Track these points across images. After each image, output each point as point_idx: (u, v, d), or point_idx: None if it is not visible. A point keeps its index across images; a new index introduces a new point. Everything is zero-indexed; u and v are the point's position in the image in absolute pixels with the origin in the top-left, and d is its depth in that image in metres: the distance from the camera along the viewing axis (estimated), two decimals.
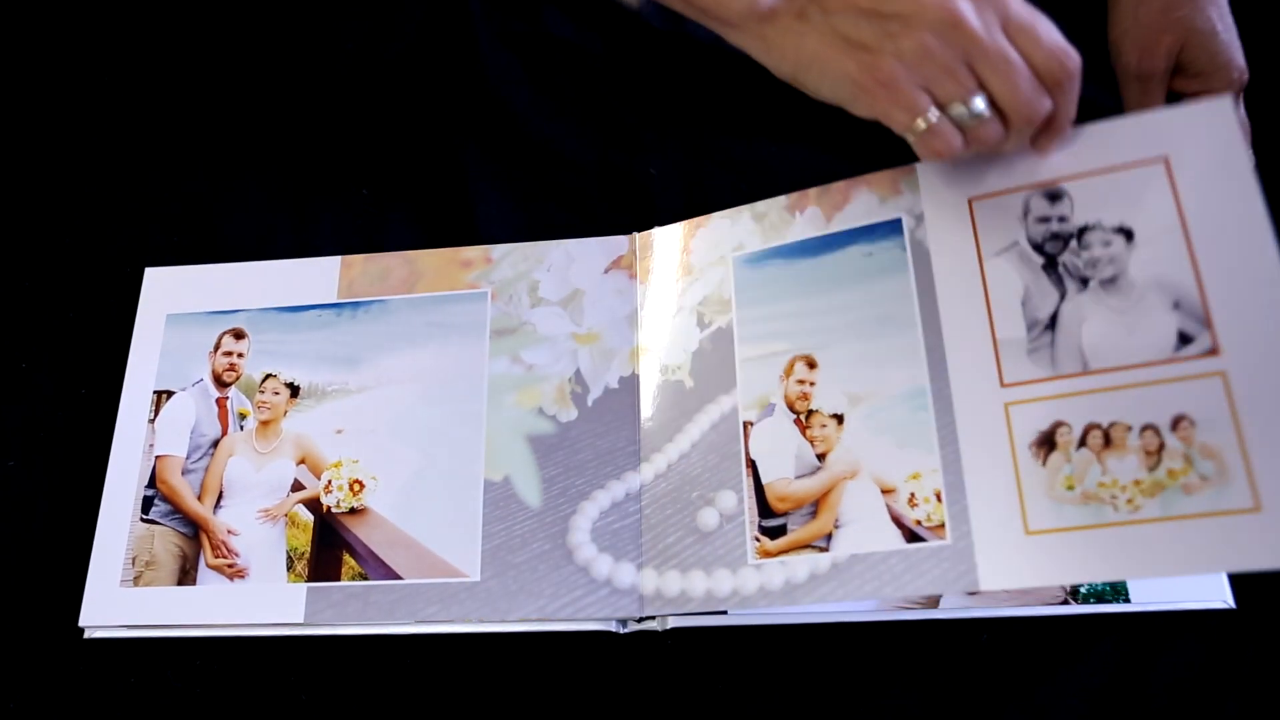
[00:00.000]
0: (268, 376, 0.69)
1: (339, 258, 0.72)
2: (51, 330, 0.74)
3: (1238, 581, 0.58)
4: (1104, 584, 0.58)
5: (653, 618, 0.61)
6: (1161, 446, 0.52)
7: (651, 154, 0.75)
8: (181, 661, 0.63)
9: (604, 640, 0.61)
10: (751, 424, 0.62)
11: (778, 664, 0.60)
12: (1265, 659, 0.57)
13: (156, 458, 0.67)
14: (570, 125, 0.76)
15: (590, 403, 0.65)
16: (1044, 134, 0.55)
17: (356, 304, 0.70)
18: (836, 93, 0.56)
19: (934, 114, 0.53)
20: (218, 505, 0.66)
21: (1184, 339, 0.53)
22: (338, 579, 0.63)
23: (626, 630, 0.61)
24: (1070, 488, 0.53)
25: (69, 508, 0.68)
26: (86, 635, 0.64)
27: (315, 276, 0.72)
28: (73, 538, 0.66)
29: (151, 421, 0.68)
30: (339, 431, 0.67)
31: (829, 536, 0.58)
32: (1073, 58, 0.52)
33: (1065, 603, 0.58)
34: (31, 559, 0.67)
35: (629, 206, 0.73)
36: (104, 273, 0.75)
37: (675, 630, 0.61)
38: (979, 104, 0.52)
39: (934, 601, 0.59)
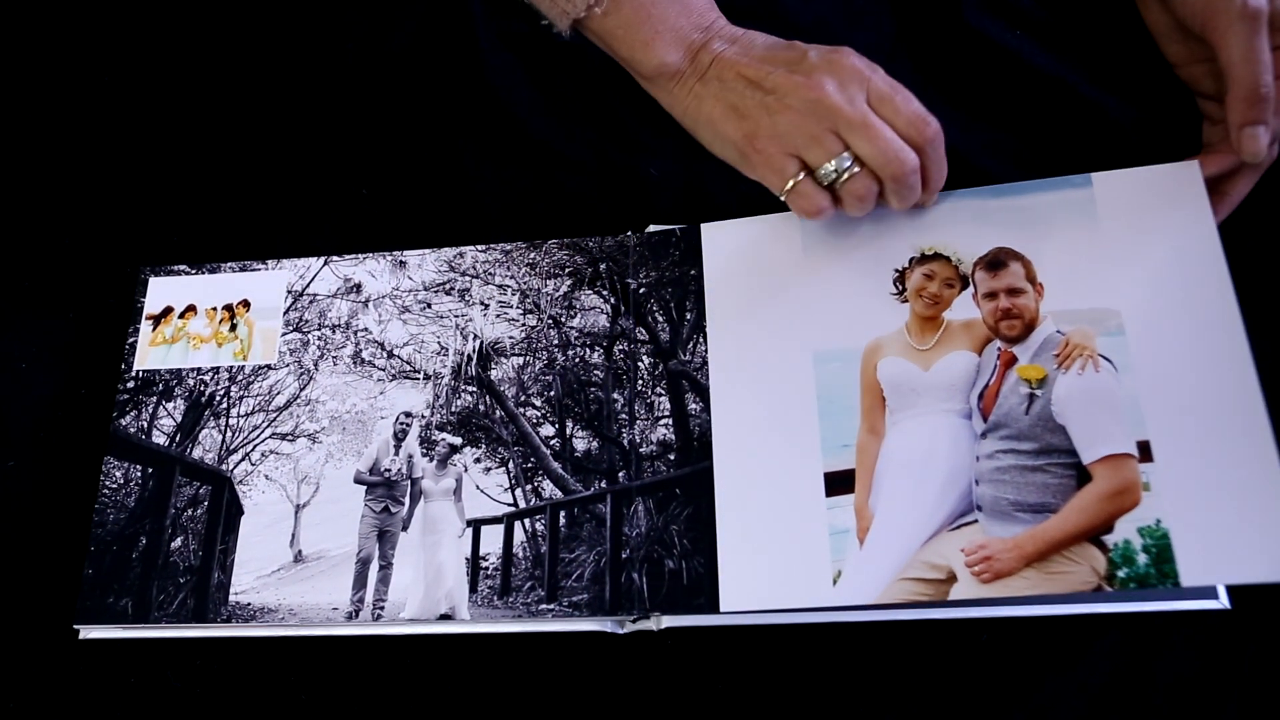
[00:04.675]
0: None
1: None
2: (51, 330, 0.74)
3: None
4: (1148, 566, 0.55)
5: (648, 617, 0.61)
6: None
7: (651, 154, 0.74)
8: (181, 661, 0.63)
9: (603, 640, 0.61)
10: None
11: (777, 664, 0.60)
12: (1264, 659, 0.56)
13: None
14: (570, 125, 0.76)
15: None
16: (925, 192, 0.62)
17: None
18: (725, 153, 0.64)
19: (800, 176, 0.61)
20: None
21: None
22: None
23: (625, 630, 0.61)
24: None
25: (68, 508, 0.68)
26: (81, 636, 0.64)
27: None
28: (72, 538, 0.66)
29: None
30: None
31: None
32: (931, 124, 0.59)
33: (1099, 589, 0.55)
34: (31, 559, 0.67)
35: (628, 206, 0.73)
36: (104, 273, 0.75)
37: (673, 630, 0.61)
38: (843, 161, 0.59)
39: (944, 592, 0.57)
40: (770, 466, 0.62)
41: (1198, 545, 0.54)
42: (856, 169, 0.60)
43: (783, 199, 0.62)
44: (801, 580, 0.59)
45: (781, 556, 0.60)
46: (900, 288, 0.65)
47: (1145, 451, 0.57)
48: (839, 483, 0.61)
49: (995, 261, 0.64)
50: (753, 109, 0.61)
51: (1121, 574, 0.55)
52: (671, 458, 0.64)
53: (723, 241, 0.69)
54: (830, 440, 0.62)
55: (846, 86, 0.59)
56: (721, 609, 0.60)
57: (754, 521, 0.61)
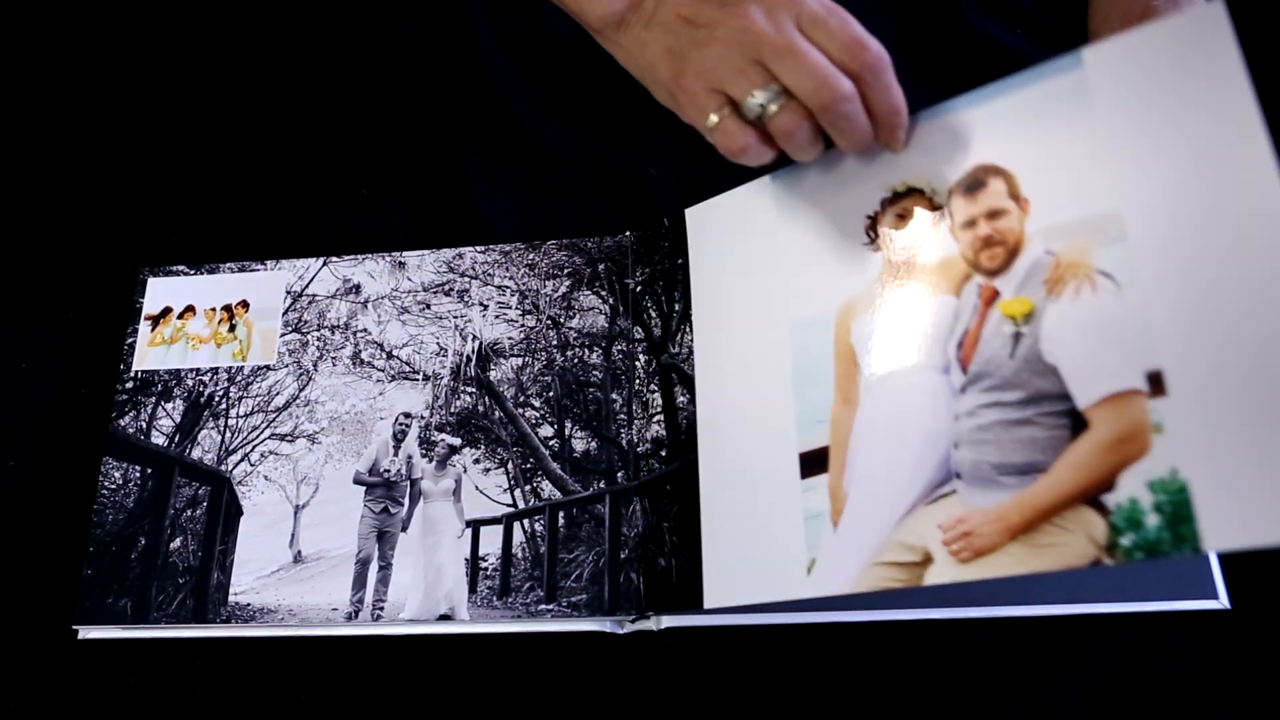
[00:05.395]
0: None
1: None
2: (51, 331, 0.74)
3: (1236, 582, 0.58)
4: (1160, 529, 0.44)
5: (648, 617, 0.60)
6: None
7: (651, 154, 0.74)
8: (181, 661, 0.63)
9: (602, 640, 0.61)
10: None
11: (777, 664, 0.60)
12: (1265, 659, 0.56)
13: None
14: (570, 125, 0.76)
15: None
16: (879, 128, 0.55)
17: None
18: (662, 99, 0.59)
19: (724, 113, 0.55)
20: None
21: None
22: None
23: (625, 631, 0.61)
24: None
25: (68, 508, 0.68)
26: (80, 636, 0.64)
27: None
28: (71, 538, 0.66)
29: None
30: None
31: None
32: (870, 47, 0.52)
33: (1097, 562, 0.45)
34: (31, 559, 0.66)
35: (629, 207, 0.73)
36: (104, 273, 0.75)
37: (673, 630, 0.61)
38: (768, 93, 0.53)
39: (919, 576, 0.51)
40: (748, 452, 0.59)
41: (1224, 499, 0.42)
42: (783, 101, 0.53)
43: (710, 140, 0.57)
44: (776, 571, 0.55)
45: (758, 547, 0.56)
46: (873, 236, 0.57)
47: (1156, 384, 0.45)
48: (814, 462, 0.56)
49: (972, 183, 0.54)
50: (685, 47, 0.56)
51: (1126, 541, 0.44)
52: (663, 454, 0.64)
53: (706, 223, 0.66)
54: (805, 417, 0.57)
55: (775, 13, 0.53)
56: (705, 605, 0.58)
57: (733, 512, 0.58)
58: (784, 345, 0.59)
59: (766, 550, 0.56)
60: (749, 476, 0.58)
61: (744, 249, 0.63)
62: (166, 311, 0.72)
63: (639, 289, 0.69)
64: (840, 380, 0.56)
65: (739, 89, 0.54)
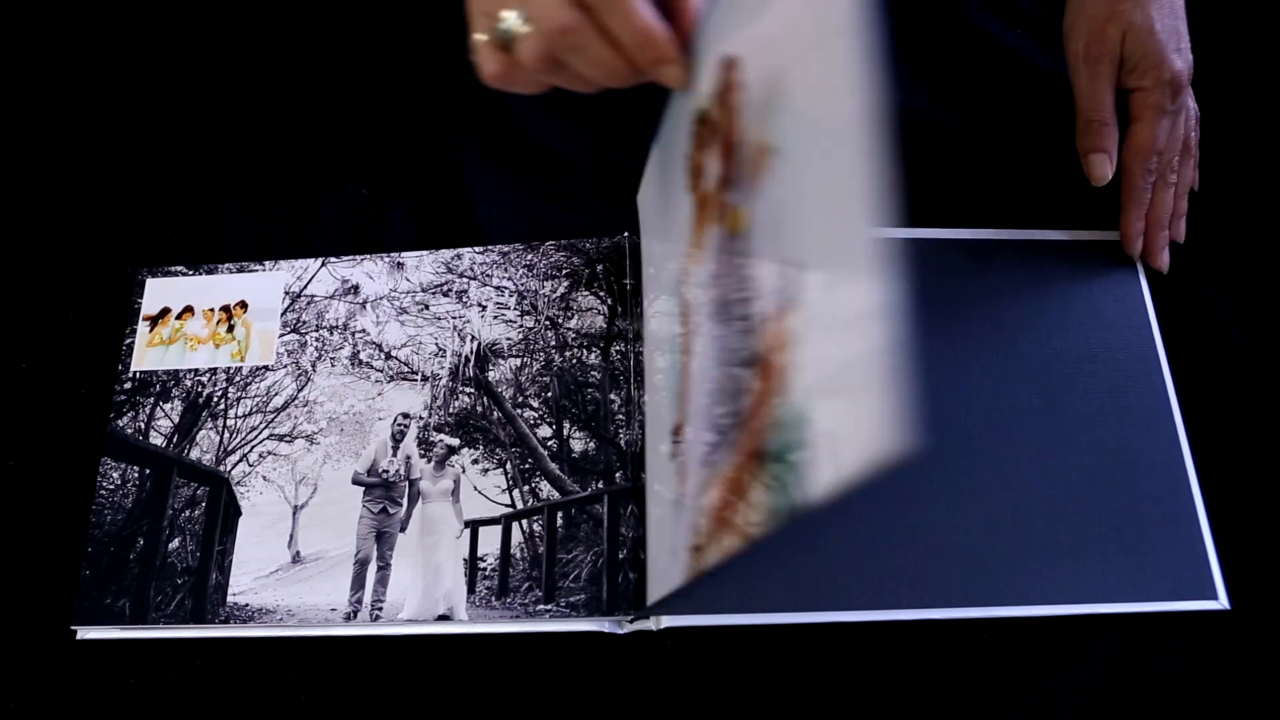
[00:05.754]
0: None
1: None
2: (51, 330, 0.74)
3: (1236, 582, 0.58)
4: (790, 485, 0.34)
5: (647, 617, 0.60)
6: None
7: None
8: (181, 662, 0.63)
9: (602, 640, 0.61)
10: None
11: (777, 664, 0.60)
12: (1265, 659, 0.56)
13: None
14: (570, 125, 0.76)
15: None
16: (636, 64, 0.49)
17: None
18: None
19: (484, 39, 0.51)
20: None
21: None
22: None
23: (624, 631, 0.61)
24: None
25: (68, 508, 0.67)
26: (79, 637, 0.64)
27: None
28: (71, 538, 0.66)
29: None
30: None
31: None
32: None
33: (764, 533, 0.36)
34: (29, 559, 0.66)
35: (629, 207, 0.73)
36: (104, 273, 0.75)
37: (673, 630, 0.61)
38: (511, 17, 0.49)
39: (700, 565, 0.45)
40: (661, 435, 0.58)
41: (836, 438, 0.31)
42: (526, 29, 0.49)
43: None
44: (669, 560, 0.52)
45: (663, 536, 0.55)
46: (690, 176, 0.50)
47: (798, 281, 0.34)
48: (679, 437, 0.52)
49: (721, 87, 0.45)
50: None
51: (774, 500, 0.35)
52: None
53: (644, 204, 0.65)
54: (676, 387, 0.53)
55: None
56: (648, 603, 0.58)
57: (655, 500, 0.58)
58: (673, 314, 0.54)
59: (667, 538, 0.55)
60: (659, 460, 0.58)
61: (652, 221, 0.62)
62: (165, 312, 0.72)
63: (630, 287, 0.69)
64: (684, 343, 0.50)
65: (493, 14, 0.50)
